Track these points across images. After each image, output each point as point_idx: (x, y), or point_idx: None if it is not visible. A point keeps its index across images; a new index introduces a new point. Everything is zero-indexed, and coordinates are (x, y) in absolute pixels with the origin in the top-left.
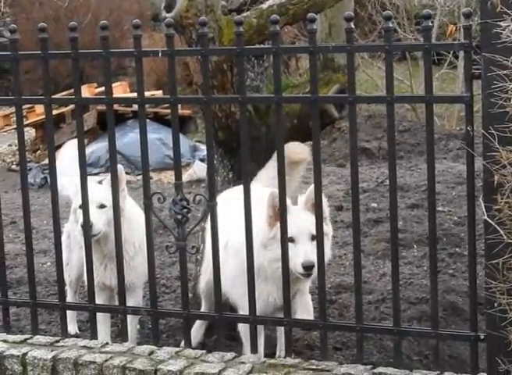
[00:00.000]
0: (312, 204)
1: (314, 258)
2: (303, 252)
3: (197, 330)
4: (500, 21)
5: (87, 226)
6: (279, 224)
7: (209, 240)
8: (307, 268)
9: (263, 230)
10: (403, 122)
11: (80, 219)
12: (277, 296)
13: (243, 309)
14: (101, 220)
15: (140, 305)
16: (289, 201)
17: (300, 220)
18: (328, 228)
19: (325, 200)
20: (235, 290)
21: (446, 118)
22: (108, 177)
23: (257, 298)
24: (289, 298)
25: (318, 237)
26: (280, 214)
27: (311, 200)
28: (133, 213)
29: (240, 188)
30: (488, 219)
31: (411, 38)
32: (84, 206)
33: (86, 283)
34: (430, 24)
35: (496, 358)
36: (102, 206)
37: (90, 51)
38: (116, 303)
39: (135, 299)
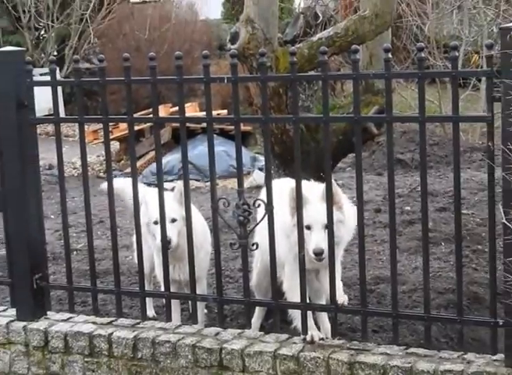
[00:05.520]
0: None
1: (324, 245)
2: (315, 240)
3: (257, 317)
4: None
5: (164, 240)
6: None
7: (260, 238)
8: (317, 254)
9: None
10: (432, 136)
11: (157, 236)
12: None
13: (289, 268)
14: (174, 235)
15: (205, 293)
16: (307, 194)
17: (316, 211)
18: (342, 216)
19: (339, 190)
20: (283, 248)
21: (470, 133)
22: (175, 189)
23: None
24: (335, 286)
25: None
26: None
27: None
28: (196, 220)
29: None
30: (506, 222)
31: (440, 65)
32: (162, 221)
33: (158, 278)
34: (457, 54)
35: None
36: (174, 220)
37: (166, 78)
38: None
39: (200, 288)
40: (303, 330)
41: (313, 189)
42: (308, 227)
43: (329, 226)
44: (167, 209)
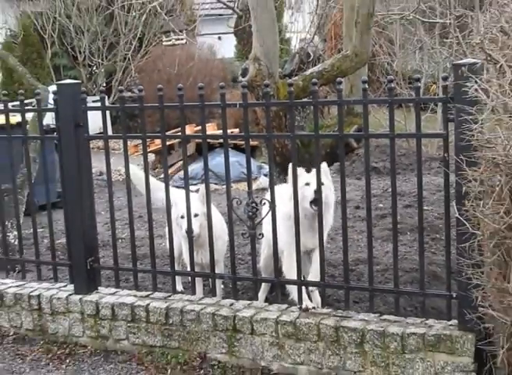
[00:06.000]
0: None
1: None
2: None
3: (263, 291)
4: (467, 82)
5: (189, 231)
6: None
7: (265, 229)
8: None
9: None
10: (400, 149)
11: (183, 226)
12: (305, 240)
13: (287, 253)
14: (196, 226)
15: (222, 272)
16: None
17: (312, 176)
18: (329, 181)
19: (327, 169)
20: (282, 238)
21: (429, 146)
22: (199, 191)
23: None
24: (323, 264)
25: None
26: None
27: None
28: (214, 215)
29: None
30: (459, 216)
31: (406, 93)
32: (188, 216)
33: (186, 261)
34: (419, 84)
35: (463, 309)
36: (196, 215)
37: (191, 104)
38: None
39: (218, 268)
40: (299, 301)
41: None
42: (308, 184)
43: (319, 223)
44: (191, 207)
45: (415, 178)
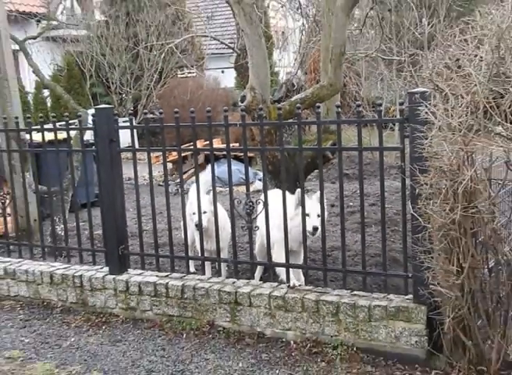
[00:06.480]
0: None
1: (318, 224)
2: (313, 221)
3: (258, 272)
4: (419, 106)
5: (199, 226)
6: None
7: (259, 223)
8: (315, 229)
9: (291, 210)
10: (366, 159)
11: (194, 220)
12: (292, 245)
13: (277, 247)
14: (205, 221)
15: (226, 257)
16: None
17: (313, 205)
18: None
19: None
20: (274, 238)
21: (389, 157)
22: (209, 194)
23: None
24: (306, 251)
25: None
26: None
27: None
28: (220, 212)
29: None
30: (413, 213)
31: (370, 115)
32: (199, 212)
33: (197, 248)
34: (381, 108)
35: (417, 287)
36: (205, 212)
37: (201, 124)
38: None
39: (223, 254)
40: (287, 280)
41: (311, 197)
42: (308, 215)
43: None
44: (202, 205)
45: (378, 182)
